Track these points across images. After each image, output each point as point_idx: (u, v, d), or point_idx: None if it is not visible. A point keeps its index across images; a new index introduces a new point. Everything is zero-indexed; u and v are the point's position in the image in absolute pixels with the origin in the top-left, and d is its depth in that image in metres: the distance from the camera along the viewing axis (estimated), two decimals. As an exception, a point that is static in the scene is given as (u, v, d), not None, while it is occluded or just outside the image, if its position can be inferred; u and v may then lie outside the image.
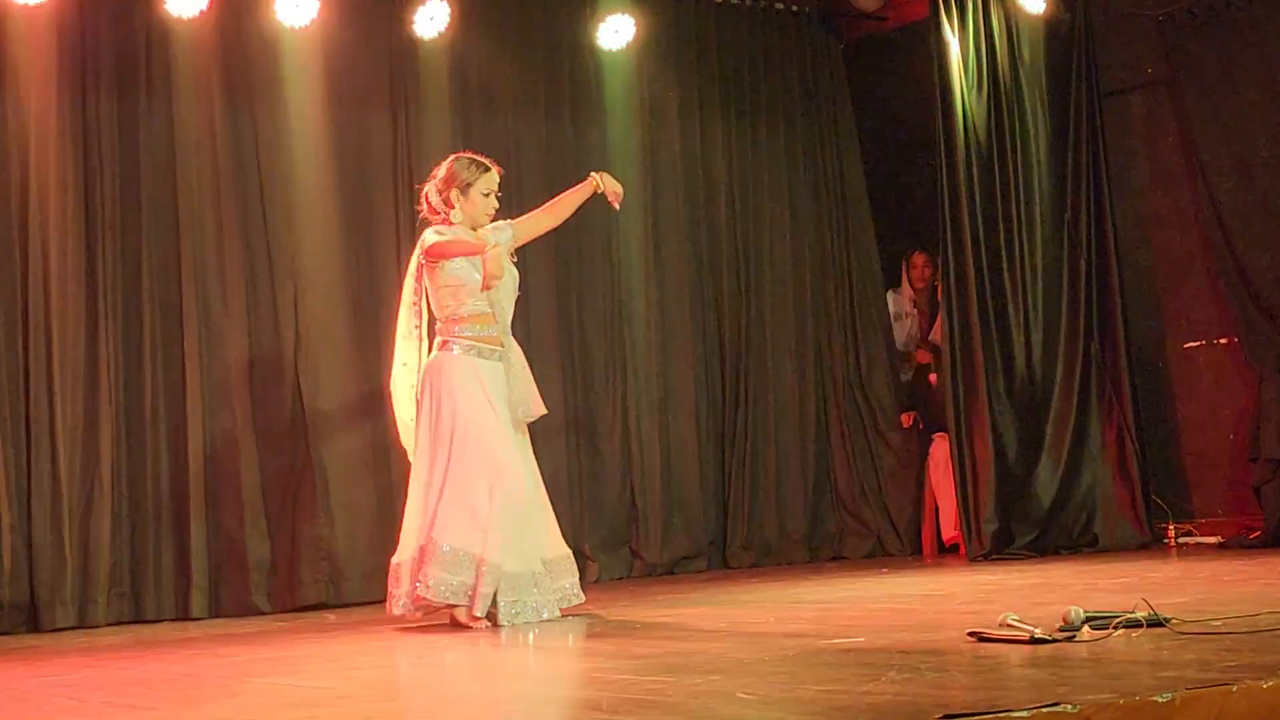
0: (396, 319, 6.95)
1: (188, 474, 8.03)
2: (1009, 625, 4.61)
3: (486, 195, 6.76)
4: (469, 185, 6.74)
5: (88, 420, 7.87)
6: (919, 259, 10.37)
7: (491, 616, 6.36)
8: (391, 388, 6.89)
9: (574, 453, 9.12)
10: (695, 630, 5.82)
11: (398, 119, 8.76)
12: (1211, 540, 8.96)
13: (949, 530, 9.54)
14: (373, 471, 8.47)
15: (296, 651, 6.01)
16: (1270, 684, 3.41)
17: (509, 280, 6.76)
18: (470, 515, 6.37)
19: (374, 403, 8.53)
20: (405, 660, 5.53)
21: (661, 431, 9.39)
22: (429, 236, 6.68)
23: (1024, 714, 3.20)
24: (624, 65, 9.38)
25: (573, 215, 7.05)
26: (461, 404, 6.54)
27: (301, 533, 8.23)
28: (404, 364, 6.83)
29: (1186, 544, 9.04)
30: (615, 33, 9.16)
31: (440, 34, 8.66)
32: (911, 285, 10.46)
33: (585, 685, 4.66)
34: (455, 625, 6.39)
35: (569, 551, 6.75)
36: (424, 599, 6.37)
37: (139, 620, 7.86)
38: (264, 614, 7.98)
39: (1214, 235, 9.15)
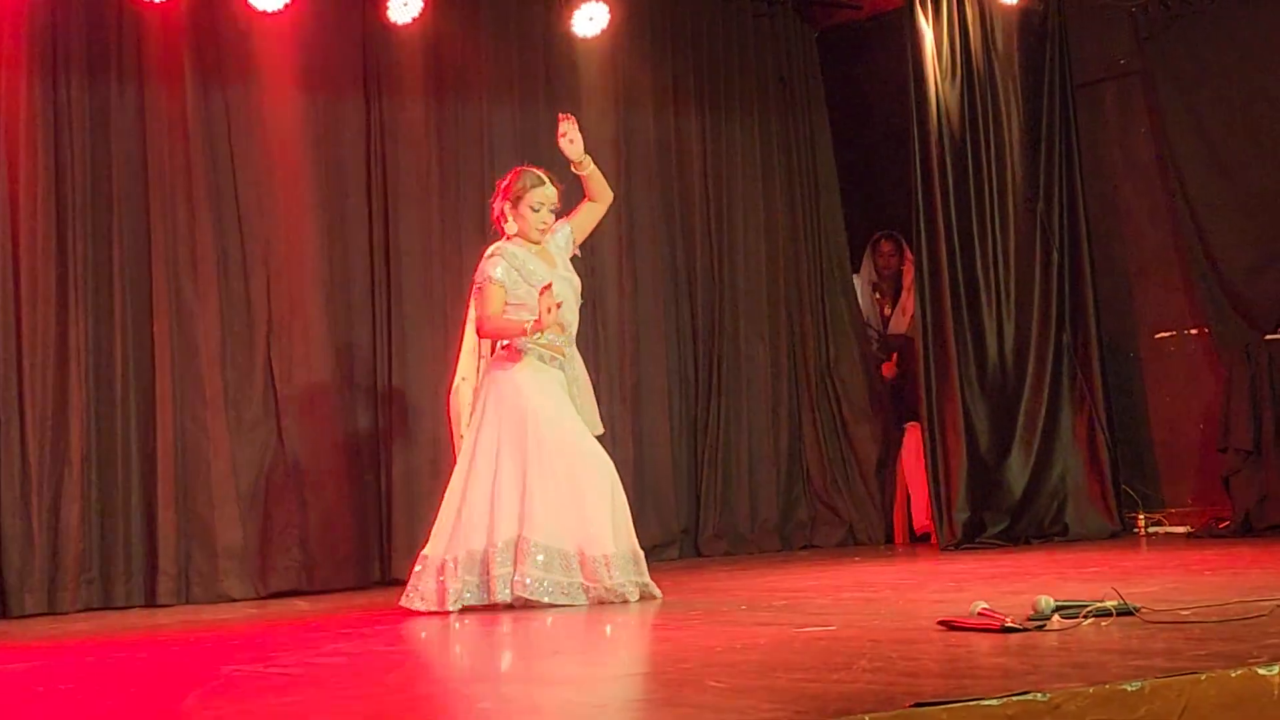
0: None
1: (157, 460, 8.01)
2: (980, 614, 4.62)
3: (537, 210, 6.67)
4: (519, 199, 6.68)
5: (57, 406, 7.83)
6: (886, 246, 10.39)
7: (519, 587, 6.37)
8: (451, 399, 6.91)
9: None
10: (666, 618, 5.81)
11: (370, 105, 8.73)
12: (1181, 530, 9.00)
13: (921, 519, 9.55)
14: (346, 457, 8.46)
15: (267, 638, 5.99)
16: (1238, 673, 3.42)
17: (569, 291, 6.72)
18: (561, 511, 6.43)
19: (347, 388, 8.52)
20: (376, 646, 5.51)
21: (634, 419, 9.38)
22: (481, 275, 6.63)
23: (994, 702, 3.20)
24: (598, 52, 9.36)
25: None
26: (532, 401, 6.56)
27: (273, 519, 8.21)
28: (463, 378, 6.83)
29: (1156, 534, 9.08)
30: (590, 20, 9.13)
31: (414, 20, 8.63)
32: (877, 271, 10.49)
33: (554, 673, 4.66)
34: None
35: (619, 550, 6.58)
36: (524, 598, 6.36)
37: (108, 607, 7.83)
38: (234, 600, 7.96)
39: (1185, 226, 9.18)
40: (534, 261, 6.69)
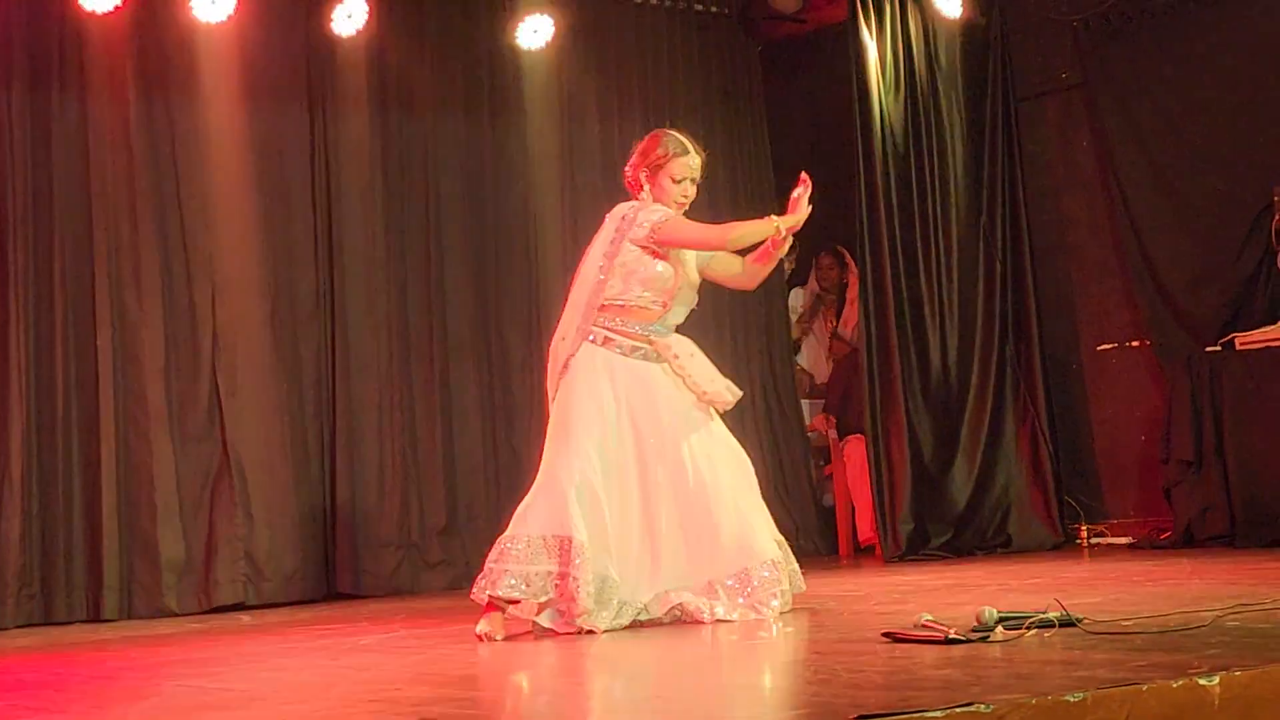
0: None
1: (100, 473, 7.95)
2: (924, 625, 4.63)
3: (679, 181, 5.96)
4: (660, 167, 5.97)
5: (-3, 419, 7.78)
6: (825, 260, 10.46)
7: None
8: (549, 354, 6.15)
9: (490, 451, 9.08)
10: (609, 630, 5.80)
11: (315, 117, 8.71)
12: (1123, 541, 9.05)
13: (865, 531, 9.58)
14: (292, 471, 8.42)
15: (210, 653, 5.96)
16: (1179, 683, 3.45)
17: (686, 286, 6.05)
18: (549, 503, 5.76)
19: (292, 401, 8.48)
20: (320, 661, 5.49)
21: (579, 432, 9.36)
22: (651, 215, 5.92)
23: (938, 714, 3.21)
24: (543, 65, 9.35)
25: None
26: (577, 398, 5.87)
27: (218, 533, 8.17)
28: (563, 337, 6.03)
29: (1098, 545, 9.13)
30: (534, 32, 9.13)
31: (358, 32, 8.61)
32: (819, 285, 10.56)
33: (493, 687, 4.65)
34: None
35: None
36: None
37: (49, 622, 7.76)
38: (178, 615, 7.90)
39: (1127, 239, 9.24)
40: None
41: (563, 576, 5.63)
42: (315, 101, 8.71)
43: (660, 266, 5.96)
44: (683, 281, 6.04)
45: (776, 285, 10.17)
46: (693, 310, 6.18)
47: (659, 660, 4.85)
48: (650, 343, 5.97)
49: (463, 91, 9.20)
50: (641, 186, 6.05)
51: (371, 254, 8.75)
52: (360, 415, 8.62)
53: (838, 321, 10.46)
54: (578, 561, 5.60)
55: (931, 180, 9.33)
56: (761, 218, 5.99)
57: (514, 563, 5.67)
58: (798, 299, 10.59)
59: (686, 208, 6.03)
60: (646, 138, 6.09)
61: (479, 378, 9.03)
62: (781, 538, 6.09)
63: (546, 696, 4.37)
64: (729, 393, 6.05)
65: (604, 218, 6.17)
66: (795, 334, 10.44)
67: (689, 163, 5.98)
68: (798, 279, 10.63)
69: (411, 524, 8.68)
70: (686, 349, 6.02)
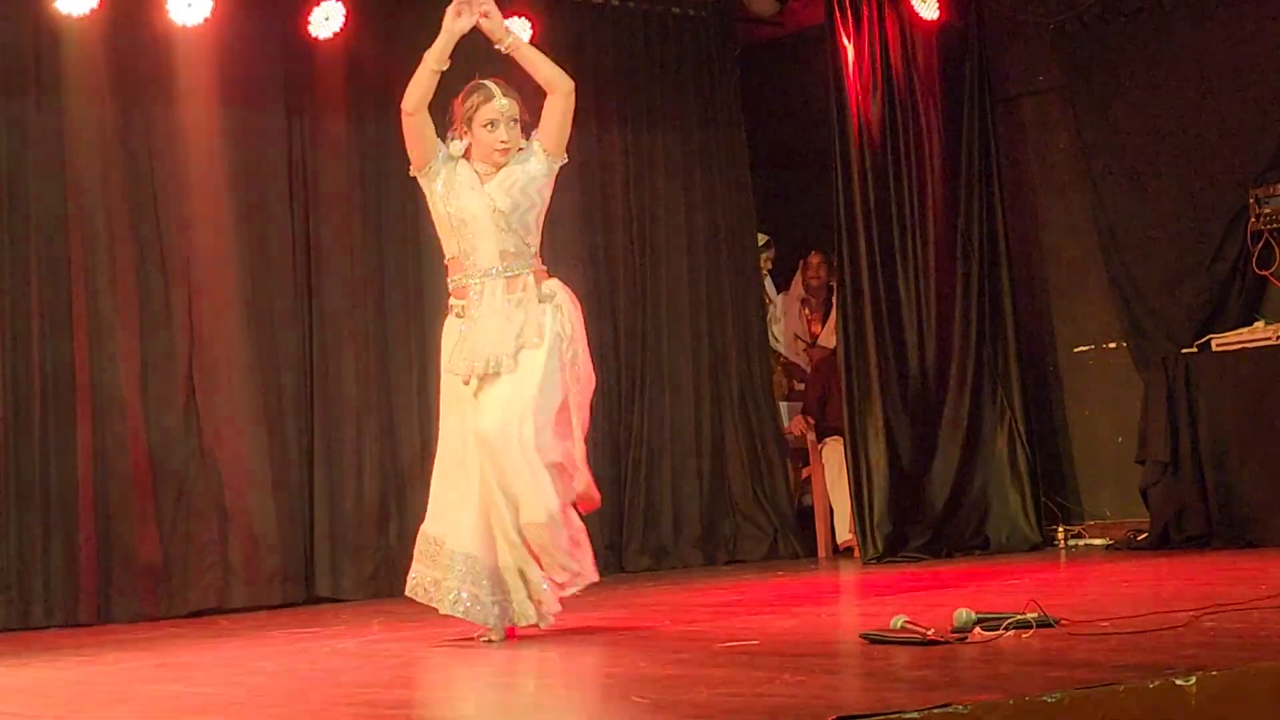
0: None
1: (76, 478, 7.92)
2: (902, 627, 4.65)
3: (491, 128, 5.78)
4: (471, 120, 5.83)
5: (-27, 424, 7.75)
6: (815, 258, 10.48)
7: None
8: None
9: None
10: (589, 633, 5.81)
11: (293, 120, 8.69)
12: (1100, 542, 9.08)
13: (843, 533, 9.60)
14: (270, 474, 8.40)
15: (187, 657, 5.95)
16: (1156, 684, 3.46)
17: (478, 207, 5.76)
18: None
19: (269, 405, 8.46)
20: (297, 665, 5.48)
21: (557, 435, 9.36)
22: None
23: (915, 714, 3.22)
24: (520, 68, 9.31)
25: None
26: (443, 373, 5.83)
27: (195, 537, 8.15)
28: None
29: (1076, 546, 9.16)
30: (512, 35, 9.12)
31: (335, 34, 8.60)
32: (806, 285, 10.57)
33: (473, 690, 4.65)
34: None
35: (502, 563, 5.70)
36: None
37: (26, 627, 7.73)
38: (155, 619, 7.89)
39: (1104, 240, 9.27)
40: (469, 179, 5.81)
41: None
42: (293, 104, 8.69)
43: (440, 208, 5.86)
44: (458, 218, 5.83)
45: (753, 285, 10.18)
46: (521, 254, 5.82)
47: (633, 660, 4.85)
48: (464, 297, 5.82)
49: (440, 93, 9.15)
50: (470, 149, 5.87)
51: (350, 257, 8.74)
52: (338, 418, 8.60)
53: (823, 325, 10.45)
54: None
55: (909, 182, 9.35)
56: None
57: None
58: (780, 302, 10.60)
59: (509, 154, 5.84)
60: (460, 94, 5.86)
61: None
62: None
63: (522, 697, 4.37)
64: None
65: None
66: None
67: (496, 105, 5.81)
68: (777, 279, 10.64)
69: (389, 527, 8.67)
70: (490, 316, 5.77)
